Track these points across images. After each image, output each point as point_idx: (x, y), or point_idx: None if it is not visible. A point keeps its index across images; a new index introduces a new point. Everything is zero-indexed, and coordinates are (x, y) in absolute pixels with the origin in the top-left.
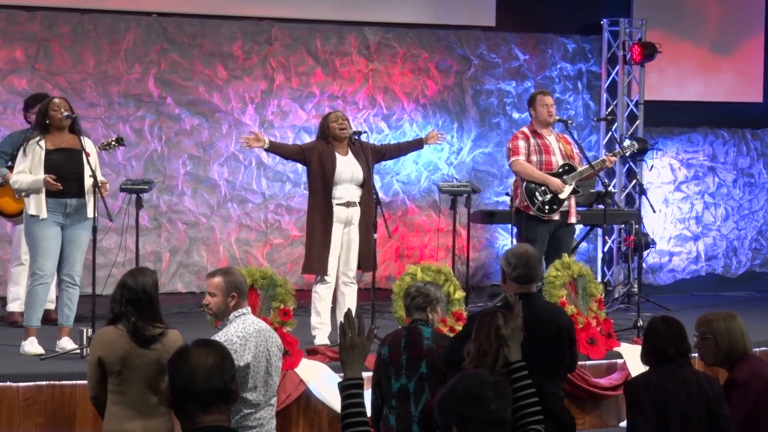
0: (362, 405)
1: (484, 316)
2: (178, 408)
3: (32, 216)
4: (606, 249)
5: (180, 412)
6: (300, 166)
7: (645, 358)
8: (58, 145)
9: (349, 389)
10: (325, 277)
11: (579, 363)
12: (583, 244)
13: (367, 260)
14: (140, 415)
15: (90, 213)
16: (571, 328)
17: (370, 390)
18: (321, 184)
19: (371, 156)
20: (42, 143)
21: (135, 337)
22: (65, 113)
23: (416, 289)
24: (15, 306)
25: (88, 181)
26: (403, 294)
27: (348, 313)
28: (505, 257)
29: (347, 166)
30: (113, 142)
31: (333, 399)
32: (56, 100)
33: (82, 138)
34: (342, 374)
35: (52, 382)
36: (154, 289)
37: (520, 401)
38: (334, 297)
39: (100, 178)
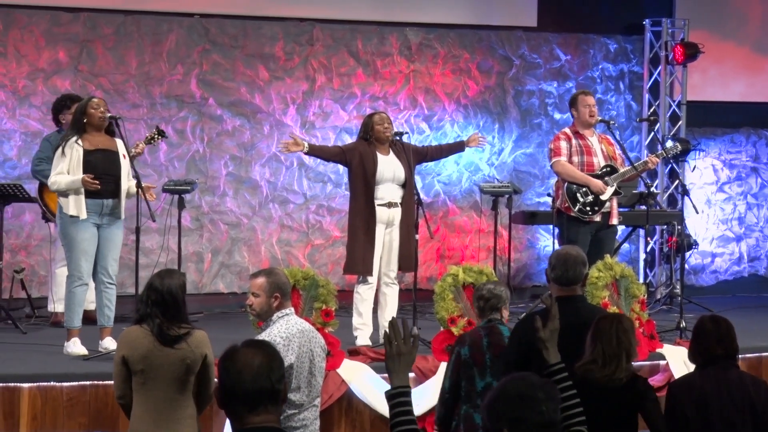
0: (411, 412)
1: (602, 322)
2: (226, 408)
3: (72, 216)
4: (648, 250)
5: (229, 413)
6: (341, 167)
7: (692, 356)
8: (96, 146)
9: (398, 397)
10: (368, 278)
11: None
12: (625, 245)
13: (407, 261)
14: (165, 417)
15: (122, 214)
16: None
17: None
18: (362, 184)
19: (413, 157)
20: (80, 143)
21: (159, 337)
22: (108, 114)
23: (488, 291)
24: (60, 306)
25: (124, 182)
26: (474, 297)
27: (393, 321)
28: (549, 258)
29: (389, 166)
30: (156, 135)
31: (375, 399)
32: (96, 100)
33: (117, 140)
34: (385, 375)
35: (95, 382)
36: (181, 291)
37: (563, 402)
38: (376, 298)
39: (130, 182)
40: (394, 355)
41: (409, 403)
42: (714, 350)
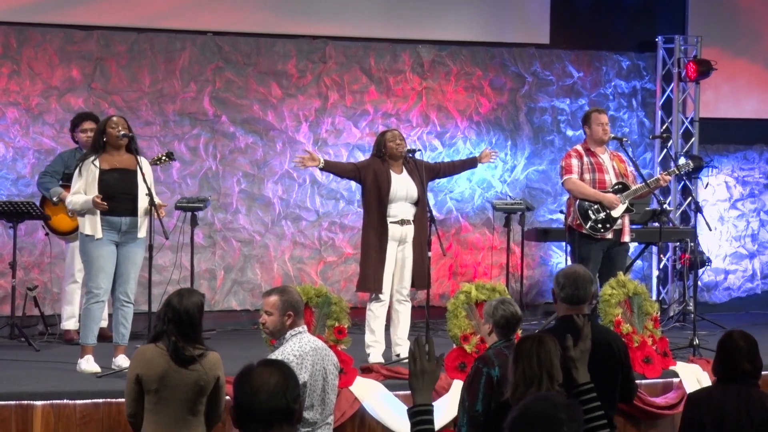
0: (433, 431)
1: (524, 342)
2: (241, 427)
3: (87, 236)
4: (661, 267)
5: None
6: (354, 184)
7: (717, 370)
8: (114, 165)
9: (420, 415)
10: (380, 295)
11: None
12: (638, 262)
13: (420, 278)
14: None
15: (142, 233)
16: (626, 352)
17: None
18: (376, 202)
19: (425, 174)
20: (97, 163)
21: (174, 357)
22: (122, 132)
23: (510, 313)
24: (70, 324)
25: (142, 201)
26: (491, 317)
27: (418, 338)
28: (555, 277)
29: (402, 184)
30: (164, 157)
31: (387, 417)
32: (114, 118)
33: (138, 157)
34: (398, 393)
35: (108, 400)
36: (199, 311)
37: (590, 423)
38: (389, 315)
39: (156, 199)
40: (417, 373)
41: (431, 422)
42: (743, 366)
